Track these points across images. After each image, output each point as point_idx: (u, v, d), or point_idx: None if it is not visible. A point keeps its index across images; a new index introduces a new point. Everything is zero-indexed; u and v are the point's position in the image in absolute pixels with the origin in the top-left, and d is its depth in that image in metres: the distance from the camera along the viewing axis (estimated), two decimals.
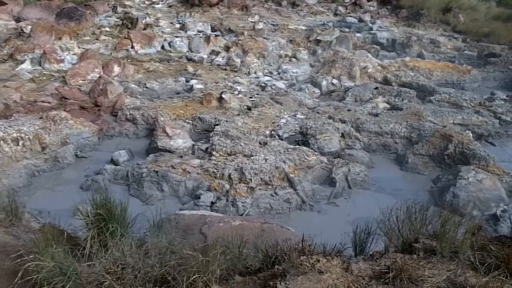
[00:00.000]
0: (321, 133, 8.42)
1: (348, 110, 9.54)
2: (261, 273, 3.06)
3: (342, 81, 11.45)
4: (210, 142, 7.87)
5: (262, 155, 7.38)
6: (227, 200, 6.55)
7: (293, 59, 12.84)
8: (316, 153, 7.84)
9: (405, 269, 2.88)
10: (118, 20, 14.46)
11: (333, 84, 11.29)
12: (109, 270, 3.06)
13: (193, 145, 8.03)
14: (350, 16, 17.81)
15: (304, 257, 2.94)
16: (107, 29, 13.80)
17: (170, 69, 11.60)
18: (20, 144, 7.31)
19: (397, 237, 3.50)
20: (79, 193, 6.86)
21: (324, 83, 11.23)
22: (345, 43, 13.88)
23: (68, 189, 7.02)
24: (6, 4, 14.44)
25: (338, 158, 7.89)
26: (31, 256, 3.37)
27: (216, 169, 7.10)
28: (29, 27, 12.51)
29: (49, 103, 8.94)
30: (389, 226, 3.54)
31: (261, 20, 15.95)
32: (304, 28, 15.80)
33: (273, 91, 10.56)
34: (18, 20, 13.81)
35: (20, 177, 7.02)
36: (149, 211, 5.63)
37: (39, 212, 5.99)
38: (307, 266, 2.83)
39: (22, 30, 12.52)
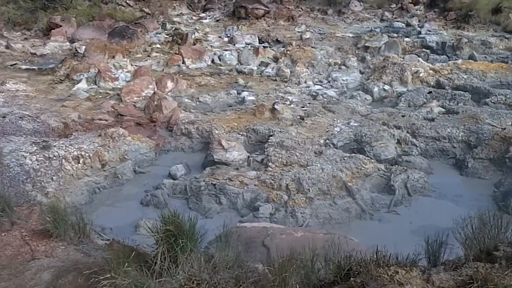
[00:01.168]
0: (377, 140, 8.29)
1: (403, 116, 9.36)
2: (336, 286, 3.01)
3: (394, 87, 11.25)
4: (265, 153, 7.86)
5: (318, 165, 7.33)
6: (286, 211, 6.52)
7: (343, 67, 12.73)
8: (372, 160, 7.71)
9: (490, 279, 2.75)
10: (168, 36, 14.74)
11: (385, 90, 11.12)
12: (185, 287, 3.08)
13: (249, 156, 8.05)
14: (397, 21, 17.55)
15: (381, 268, 2.86)
16: (158, 45, 14.09)
17: (221, 82, 11.72)
18: (80, 162, 7.47)
19: (474, 245, 3.37)
20: (140, 209, 7.00)
21: (375, 89, 11.07)
22: (394, 48, 13.68)
23: (129, 205, 7.15)
24: (61, 26, 15.02)
25: (396, 165, 7.74)
26: (107, 275, 3.43)
27: (273, 180, 7.08)
28: (83, 47, 12.93)
29: (106, 120, 9.18)
30: (465, 234, 3.41)
31: (308, 29, 15.92)
32: (351, 35, 15.67)
33: (325, 99, 10.49)
34: (72, 41, 14.33)
35: (81, 194, 7.19)
36: (209, 224, 5.69)
37: (102, 228, 6.10)
38: (386, 278, 2.77)
39: (76, 50, 12.96)
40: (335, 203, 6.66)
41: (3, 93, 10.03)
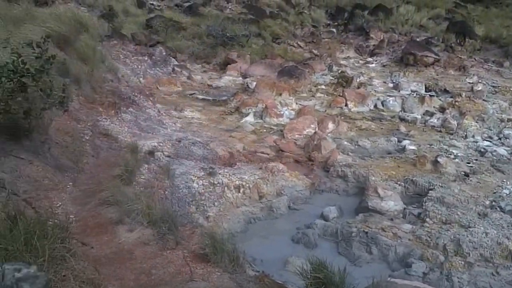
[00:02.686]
0: None
1: None
2: None
3: None
4: (423, 207, 7.55)
5: (481, 228, 6.82)
6: (441, 273, 6.16)
7: None
8: None
9: None
10: (333, 78, 15.03)
11: None
12: None
13: (404, 208, 7.80)
14: None
15: None
16: (323, 86, 14.42)
17: (382, 128, 11.59)
18: (241, 191, 7.85)
19: None
20: (290, 245, 7.11)
21: None
22: None
23: (280, 240, 7.29)
24: (236, 62, 16.17)
25: None
26: None
27: (429, 237, 6.76)
28: (254, 83, 13.75)
29: (267, 154, 9.58)
30: None
31: (480, 81, 15.06)
32: None
33: (494, 157, 9.78)
34: (244, 76, 15.33)
35: (238, 222, 7.54)
36: (357, 273, 5.59)
37: (253, 259, 6.31)
38: None
39: (247, 85, 13.83)
40: (497, 273, 6.12)
41: (181, 119, 11.05)
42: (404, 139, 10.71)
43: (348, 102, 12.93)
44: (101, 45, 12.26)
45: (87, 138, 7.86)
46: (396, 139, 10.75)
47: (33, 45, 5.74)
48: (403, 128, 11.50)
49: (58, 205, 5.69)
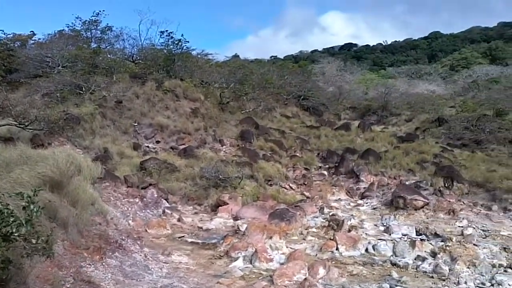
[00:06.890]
0: None
1: None
2: None
3: None
4: None
5: None
6: None
7: (509, 270, 11.67)
8: None
9: None
10: (324, 220, 15.18)
11: None
12: None
13: None
14: None
15: None
16: (314, 229, 14.50)
17: (373, 274, 11.41)
18: None
19: None
20: None
21: None
22: None
23: None
24: (227, 204, 16.40)
25: None
26: None
27: None
28: (245, 225, 13.80)
29: None
30: None
31: (469, 225, 15.23)
32: None
33: None
34: (236, 218, 15.42)
35: None
36: None
37: None
38: None
39: (238, 228, 13.87)
40: None
41: (167, 264, 10.92)
42: (396, 286, 10.51)
43: (339, 246, 12.88)
44: (92, 187, 12.46)
45: (68, 286, 7.68)
46: (388, 285, 10.53)
47: (23, 195, 5.71)
48: (395, 274, 11.32)
49: None
